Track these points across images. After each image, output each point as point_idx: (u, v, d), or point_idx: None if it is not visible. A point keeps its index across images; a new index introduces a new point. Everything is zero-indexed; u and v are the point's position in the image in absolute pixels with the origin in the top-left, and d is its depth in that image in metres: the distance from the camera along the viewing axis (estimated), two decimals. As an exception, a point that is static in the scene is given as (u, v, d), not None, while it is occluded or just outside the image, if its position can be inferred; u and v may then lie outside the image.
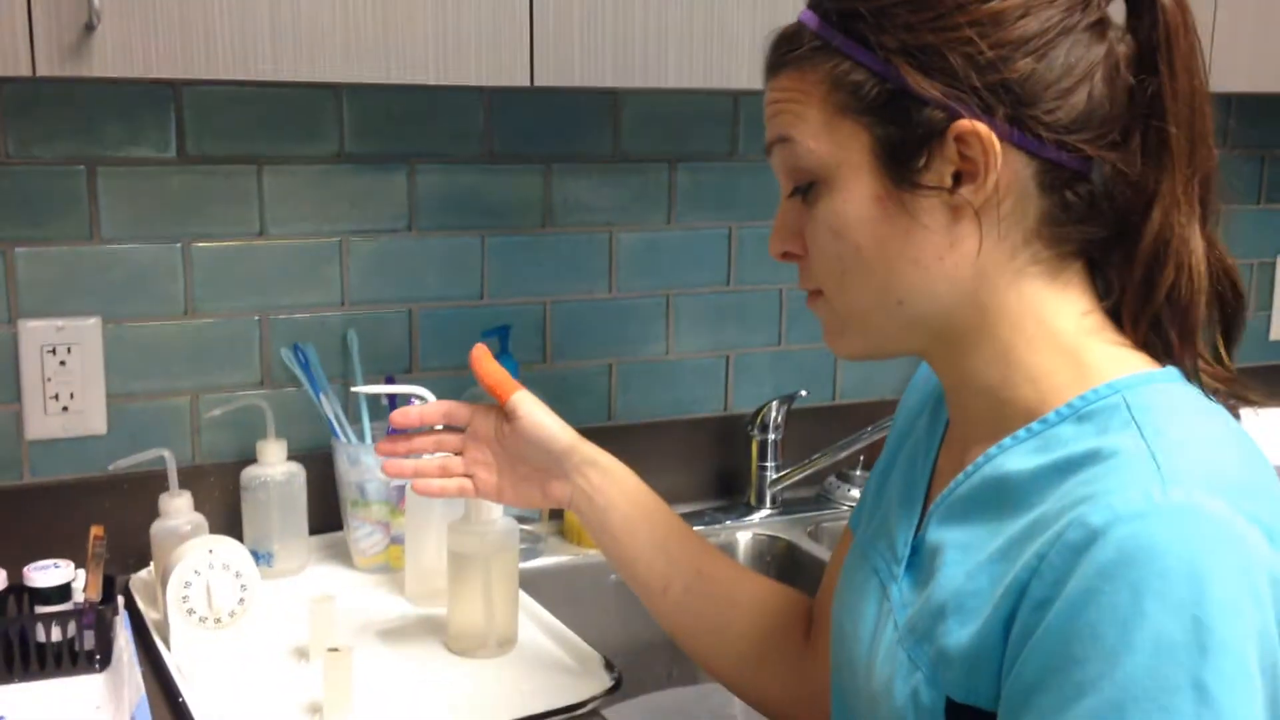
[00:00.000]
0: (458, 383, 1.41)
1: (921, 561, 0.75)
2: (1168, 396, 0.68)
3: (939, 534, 0.73)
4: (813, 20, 0.73)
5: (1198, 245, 0.71)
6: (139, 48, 0.99)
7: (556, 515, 1.46)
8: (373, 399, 1.34)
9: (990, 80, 0.67)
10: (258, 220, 1.34)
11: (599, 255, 1.51)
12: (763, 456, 1.55)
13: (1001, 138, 0.67)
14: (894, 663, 0.72)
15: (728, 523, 1.52)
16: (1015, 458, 0.69)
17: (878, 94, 0.69)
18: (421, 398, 1.22)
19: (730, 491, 1.59)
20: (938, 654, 0.68)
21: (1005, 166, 0.68)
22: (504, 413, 1.00)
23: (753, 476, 1.55)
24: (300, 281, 1.36)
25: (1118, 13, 0.72)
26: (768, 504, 1.55)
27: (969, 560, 0.69)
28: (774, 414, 1.54)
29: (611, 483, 0.98)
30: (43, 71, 0.96)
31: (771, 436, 1.54)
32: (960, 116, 0.67)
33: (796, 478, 1.54)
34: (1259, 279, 1.93)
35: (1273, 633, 0.59)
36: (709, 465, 1.59)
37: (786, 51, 0.73)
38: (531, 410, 0.99)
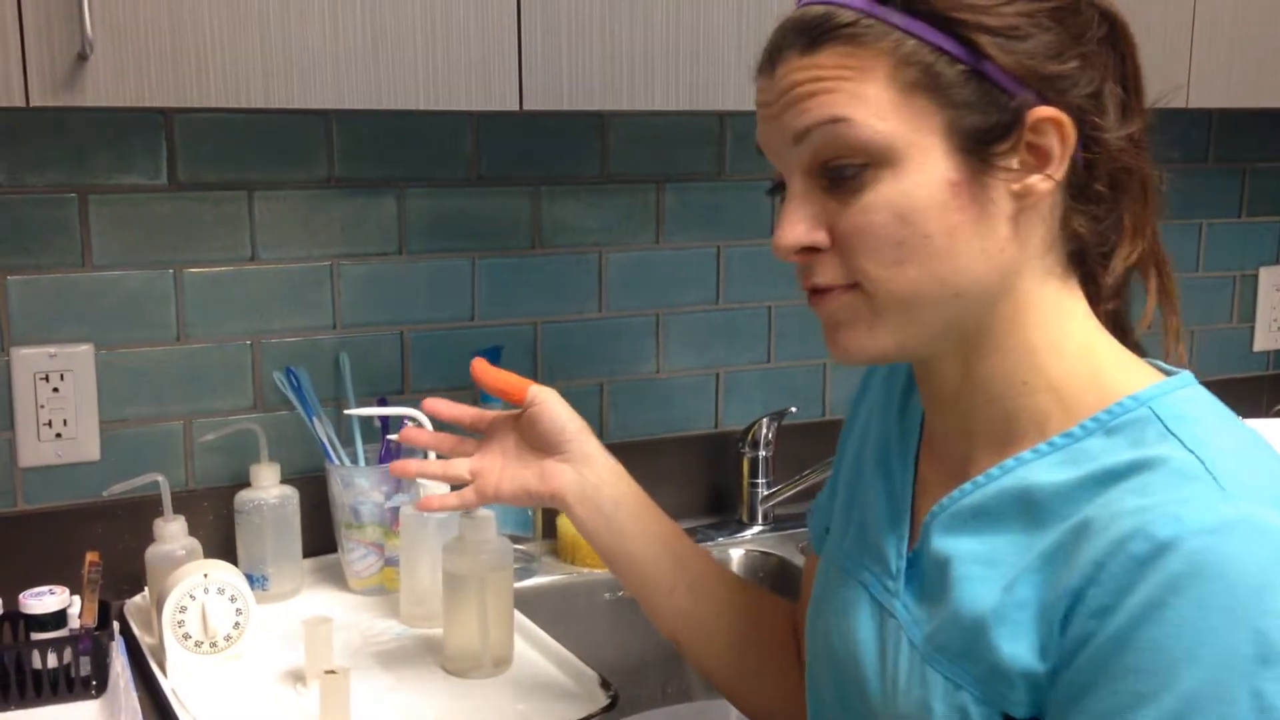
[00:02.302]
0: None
1: (924, 575, 0.74)
2: (1193, 406, 0.68)
3: (945, 545, 0.72)
4: (857, 0, 0.68)
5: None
6: (131, 77, 1.00)
7: (550, 534, 1.46)
8: (365, 422, 1.34)
9: (1059, 70, 0.67)
10: (249, 246, 1.35)
11: (588, 275, 1.52)
12: (754, 473, 1.56)
13: (1075, 127, 0.68)
14: (925, 683, 0.70)
15: (720, 540, 1.52)
16: (1041, 470, 0.69)
17: (955, 73, 0.67)
18: (415, 419, 1.23)
19: (722, 508, 1.60)
20: (989, 671, 0.66)
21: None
22: (521, 412, 0.99)
23: (744, 493, 1.56)
24: (292, 305, 1.37)
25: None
26: (760, 520, 1.56)
27: (999, 573, 0.68)
28: (765, 431, 1.55)
29: (619, 478, 0.97)
30: (36, 101, 0.97)
31: (762, 453, 1.55)
32: (1041, 102, 0.67)
33: (788, 494, 1.55)
34: (1241, 291, 1.95)
35: None
36: (700, 483, 1.60)
37: (827, 29, 0.68)
38: (549, 398, 0.99)
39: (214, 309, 1.34)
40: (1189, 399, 0.69)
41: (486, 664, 1.12)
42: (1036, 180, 0.68)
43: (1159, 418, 0.67)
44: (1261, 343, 1.97)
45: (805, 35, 0.69)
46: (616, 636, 1.37)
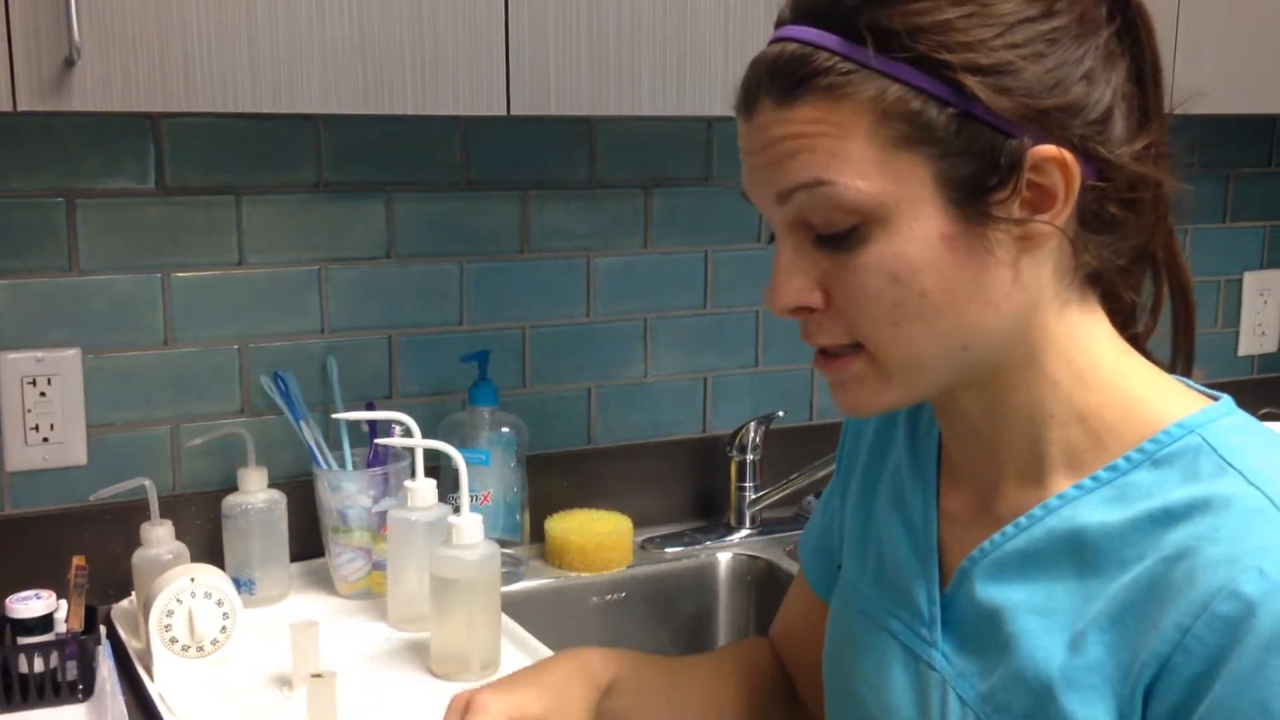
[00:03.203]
0: (438, 408, 1.42)
1: (967, 623, 0.70)
2: (1245, 434, 0.65)
3: (992, 594, 0.68)
4: (832, 41, 0.63)
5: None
6: (119, 81, 1.00)
7: (538, 538, 1.47)
8: (353, 426, 1.34)
9: (1060, 102, 0.63)
10: (236, 250, 1.35)
11: (576, 280, 1.52)
12: (741, 477, 1.56)
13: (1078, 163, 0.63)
14: None
15: (707, 543, 1.53)
16: (1089, 508, 0.65)
17: (945, 121, 0.62)
18: (402, 423, 1.23)
19: (710, 512, 1.60)
20: None
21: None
22: None
23: (732, 497, 1.57)
24: (280, 310, 1.37)
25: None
26: (747, 524, 1.56)
27: (1059, 624, 0.64)
28: (752, 434, 1.55)
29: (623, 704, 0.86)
30: (24, 106, 0.97)
31: (750, 457, 1.56)
32: (1039, 141, 0.62)
33: (775, 497, 1.56)
34: (1226, 296, 1.96)
35: None
36: (688, 486, 1.60)
37: (803, 79, 0.63)
38: None
39: (202, 313, 1.34)
40: (1238, 427, 0.65)
41: (474, 667, 1.12)
42: (1040, 224, 0.63)
43: (1212, 448, 0.63)
44: (1246, 347, 1.99)
45: (781, 83, 0.64)
46: (604, 639, 1.37)
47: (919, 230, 0.63)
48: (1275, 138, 1.94)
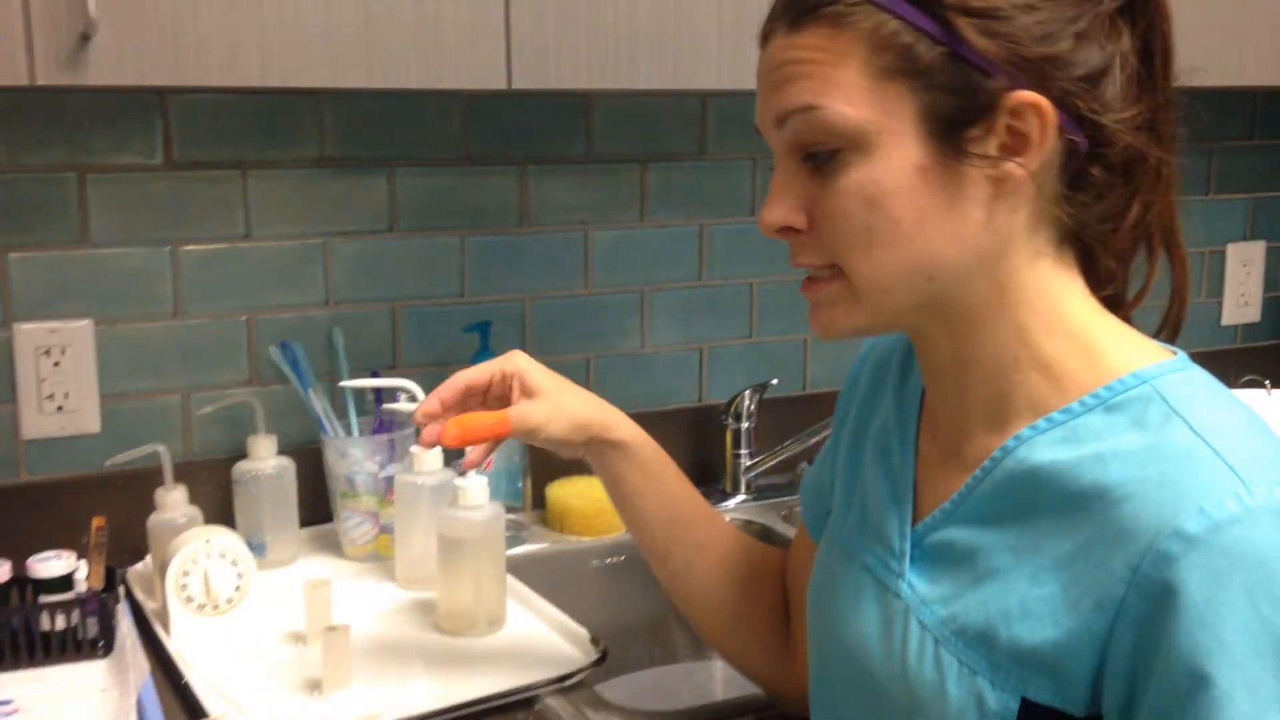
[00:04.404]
0: (441, 378, 1.44)
1: (931, 557, 0.74)
2: (1196, 386, 0.68)
3: (964, 534, 0.72)
4: None
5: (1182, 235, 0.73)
6: (132, 56, 1.03)
7: (539, 505, 1.50)
8: (359, 395, 1.38)
9: (1046, 53, 0.66)
10: (243, 223, 1.38)
11: (575, 253, 1.56)
12: (736, 444, 1.60)
13: (1055, 111, 0.66)
14: (940, 667, 0.70)
15: (704, 509, 1.57)
16: (1041, 449, 0.69)
17: (933, 58, 0.66)
18: (408, 390, 1.26)
19: (707, 479, 1.64)
20: (1009, 658, 0.67)
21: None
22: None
23: (728, 464, 1.60)
24: (285, 282, 1.40)
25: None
26: (742, 490, 1.60)
27: (1025, 563, 0.67)
28: (747, 403, 1.59)
29: (622, 459, 0.98)
30: (41, 80, 1.00)
31: (745, 425, 1.60)
32: (1020, 86, 0.66)
33: (770, 464, 1.59)
34: (1210, 267, 2.00)
35: None
36: (685, 454, 1.64)
37: (811, 7, 0.68)
38: (534, 429, 0.94)
39: (210, 285, 1.37)
40: (1190, 380, 0.68)
41: (481, 624, 1.16)
42: (1013, 167, 0.67)
43: (1163, 398, 0.66)
44: (1230, 317, 2.03)
45: (793, 10, 0.69)
46: (604, 602, 1.41)
47: (897, 159, 0.67)
48: (1257, 111, 1.98)
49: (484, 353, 1.44)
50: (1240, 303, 2.03)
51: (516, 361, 0.97)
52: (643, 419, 1.62)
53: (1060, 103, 0.67)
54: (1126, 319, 0.75)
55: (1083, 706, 0.65)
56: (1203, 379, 0.70)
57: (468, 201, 1.48)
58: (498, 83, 1.18)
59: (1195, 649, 0.59)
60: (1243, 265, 2.02)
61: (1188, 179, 1.94)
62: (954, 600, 0.71)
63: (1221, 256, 2.00)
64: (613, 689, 1.36)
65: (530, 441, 0.96)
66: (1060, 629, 0.65)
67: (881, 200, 0.68)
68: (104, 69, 1.02)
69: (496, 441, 0.96)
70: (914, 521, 0.77)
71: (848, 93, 0.67)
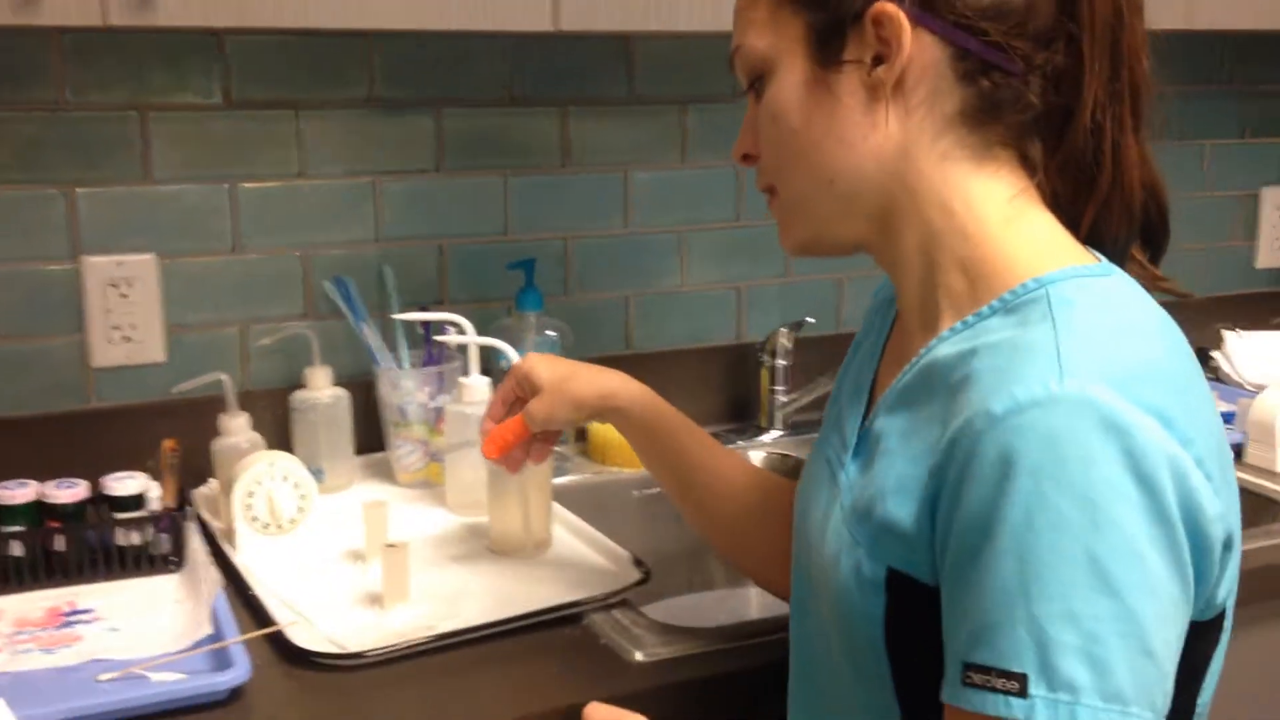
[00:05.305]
0: (485, 314, 1.50)
1: (867, 449, 0.78)
2: (1089, 291, 0.70)
3: (883, 423, 0.76)
4: None
5: (1132, 151, 0.75)
6: (198, -1, 1.08)
7: (582, 436, 1.56)
8: (409, 328, 1.43)
9: None
10: (296, 162, 1.42)
11: (615, 194, 1.59)
12: (773, 381, 1.64)
13: (911, 20, 0.72)
14: (840, 540, 0.76)
15: (740, 443, 1.61)
16: (945, 348, 0.73)
17: None
18: (456, 323, 1.31)
19: (743, 415, 1.69)
20: (878, 530, 0.72)
21: (919, 49, 0.72)
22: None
23: (763, 400, 1.65)
24: (338, 220, 1.45)
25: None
26: (778, 425, 1.65)
27: (910, 446, 0.72)
28: (783, 341, 1.63)
29: (624, 422, 1.08)
30: (114, 21, 1.05)
31: (781, 362, 1.64)
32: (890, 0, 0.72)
33: (804, 400, 1.64)
34: (1244, 210, 2.01)
35: (1174, 514, 0.62)
36: (723, 390, 1.69)
37: None
38: (545, 421, 1.08)
39: (266, 221, 1.42)
40: (1087, 285, 0.70)
41: (529, 546, 1.22)
42: (880, 72, 0.73)
43: (1049, 300, 0.69)
44: (1264, 260, 2.05)
45: None
46: (645, 530, 1.46)
47: (790, 78, 0.77)
48: (1295, 55, 1.98)
49: (529, 288, 1.48)
50: (1275, 246, 2.04)
51: (523, 368, 1.09)
52: (681, 356, 1.68)
53: (924, 9, 0.72)
54: (1084, 243, 0.76)
55: (930, 574, 0.69)
56: (1103, 286, 0.71)
57: (511, 142, 1.52)
58: (545, 25, 1.21)
59: (981, 514, 0.64)
60: (1276, 209, 2.03)
61: (1223, 123, 1.95)
62: (864, 488, 0.76)
63: (1255, 200, 2.01)
64: (652, 612, 1.41)
65: (549, 429, 1.10)
66: (916, 503, 0.70)
67: (781, 117, 0.77)
68: (172, 10, 1.07)
69: (532, 435, 1.10)
70: (866, 418, 0.83)
71: (757, 27, 0.78)
